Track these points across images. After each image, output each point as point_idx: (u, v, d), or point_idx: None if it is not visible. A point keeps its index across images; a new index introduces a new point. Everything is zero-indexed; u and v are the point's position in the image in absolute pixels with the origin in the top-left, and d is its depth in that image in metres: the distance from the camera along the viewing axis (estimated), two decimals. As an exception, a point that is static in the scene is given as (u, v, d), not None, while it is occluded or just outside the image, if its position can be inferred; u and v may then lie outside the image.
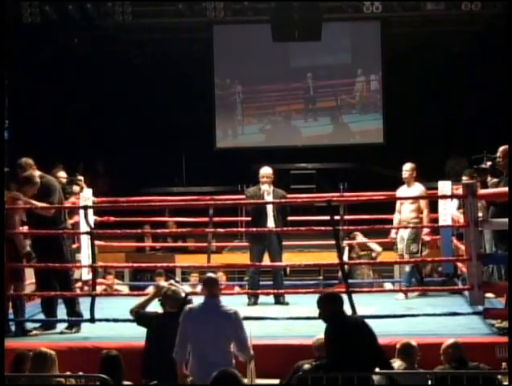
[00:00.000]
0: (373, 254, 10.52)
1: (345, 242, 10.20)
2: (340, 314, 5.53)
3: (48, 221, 7.54)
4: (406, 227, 9.02)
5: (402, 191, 9.17)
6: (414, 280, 9.17)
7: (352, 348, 5.32)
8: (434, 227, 9.39)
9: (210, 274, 6.21)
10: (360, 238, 10.55)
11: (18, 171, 7.70)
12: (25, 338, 7.27)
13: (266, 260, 8.95)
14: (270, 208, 8.80)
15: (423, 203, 9.09)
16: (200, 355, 5.67)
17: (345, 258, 10.47)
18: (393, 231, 9.32)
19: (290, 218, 9.00)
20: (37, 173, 7.65)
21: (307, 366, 5.72)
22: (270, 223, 8.78)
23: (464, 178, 9.12)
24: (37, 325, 7.59)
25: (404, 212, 9.15)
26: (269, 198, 8.86)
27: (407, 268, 9.17)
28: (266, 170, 9.02)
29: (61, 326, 7.58)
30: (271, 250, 8.84)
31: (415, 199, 9.00)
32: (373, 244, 10.46)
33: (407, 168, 9.15)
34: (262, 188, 8.92)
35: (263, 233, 8.74)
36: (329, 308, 5.55)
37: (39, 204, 7.49)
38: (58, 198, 7.71)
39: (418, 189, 9.08)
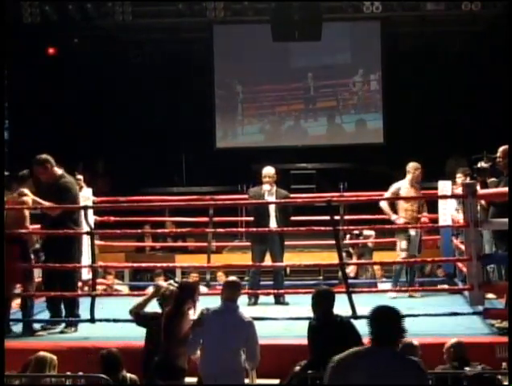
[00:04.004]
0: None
1: (351, 241, 10.27)
2: (327, 312, 5.56)
3: (58, 222, 7.48)
4: (413, 227, 8.93)
5: None
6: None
7: (332, 347, 5.33)
8: (434, 227, 9.38)
9: (233, 278, 6.23)
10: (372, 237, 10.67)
11: (36, 166, 7.55)
12: (29, 338, 7.26)
13: (267, 260, 8.95)
14: (272, 208, 8.76)
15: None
16: (211, 355, 5.70)
17: (354, 258, 10.59)
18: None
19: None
20: (59, 171, 7.57)
21: (297, 368, 5.74)
22: (273, 223, 8.76)
23: (458, 175, 9.13)
24: (39, 325, 7.59)
25: None
26: (270, 198, 8.83)
27: (398, 267, 9.16)
28: (268, 170, 8.99)
29: (61, 326, 7.59)
30: (273, 250, 8.83)
31: (416, 199, 8.99)
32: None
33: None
34: (264, 188, 8.89)
35: (265, 233, 8.72)
36: (322, 305, 5.59)
37: (47, 204, 7.41)
38: (73, 201, 7.63)
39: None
